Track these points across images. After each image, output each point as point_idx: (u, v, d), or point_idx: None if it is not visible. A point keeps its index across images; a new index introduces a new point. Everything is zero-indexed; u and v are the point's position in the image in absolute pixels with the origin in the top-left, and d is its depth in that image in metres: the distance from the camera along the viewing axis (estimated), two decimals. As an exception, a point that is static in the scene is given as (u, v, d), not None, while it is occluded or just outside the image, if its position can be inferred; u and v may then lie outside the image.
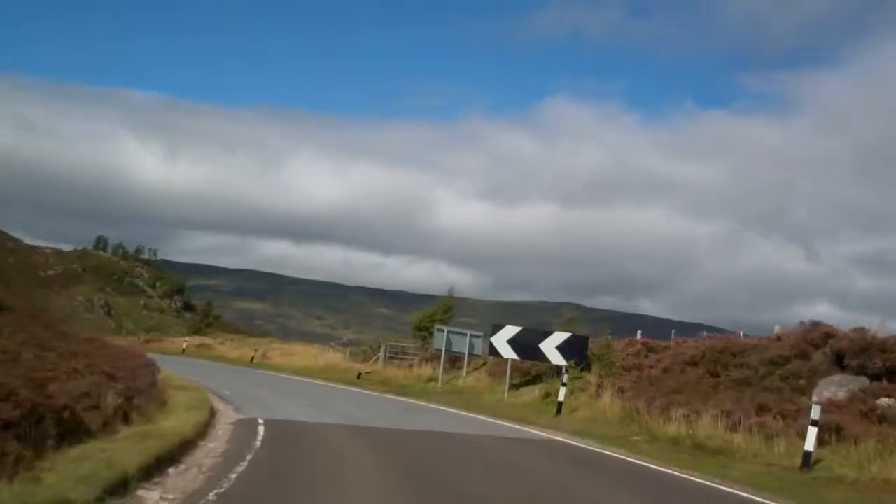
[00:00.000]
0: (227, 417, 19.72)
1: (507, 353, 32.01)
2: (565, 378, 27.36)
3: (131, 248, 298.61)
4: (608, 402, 25.40)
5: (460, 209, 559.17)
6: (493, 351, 32.71)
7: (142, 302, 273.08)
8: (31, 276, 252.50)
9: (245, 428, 17.85)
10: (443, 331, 38.04)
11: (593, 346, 31.28)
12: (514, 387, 32.54)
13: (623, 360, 29.90)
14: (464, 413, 27.85)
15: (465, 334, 38.08)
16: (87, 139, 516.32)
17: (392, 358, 46.13)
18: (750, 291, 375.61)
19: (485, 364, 38.24)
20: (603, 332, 33.52)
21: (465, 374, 37.68)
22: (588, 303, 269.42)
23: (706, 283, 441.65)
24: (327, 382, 40.63)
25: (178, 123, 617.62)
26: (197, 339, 62.02)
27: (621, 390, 26.04)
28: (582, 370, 29.51)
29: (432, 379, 38.58)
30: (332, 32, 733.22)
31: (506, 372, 32.74)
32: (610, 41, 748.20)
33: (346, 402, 29.39)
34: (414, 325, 47.36)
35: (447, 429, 21.95)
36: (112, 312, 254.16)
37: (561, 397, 26.72)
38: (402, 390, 36.27)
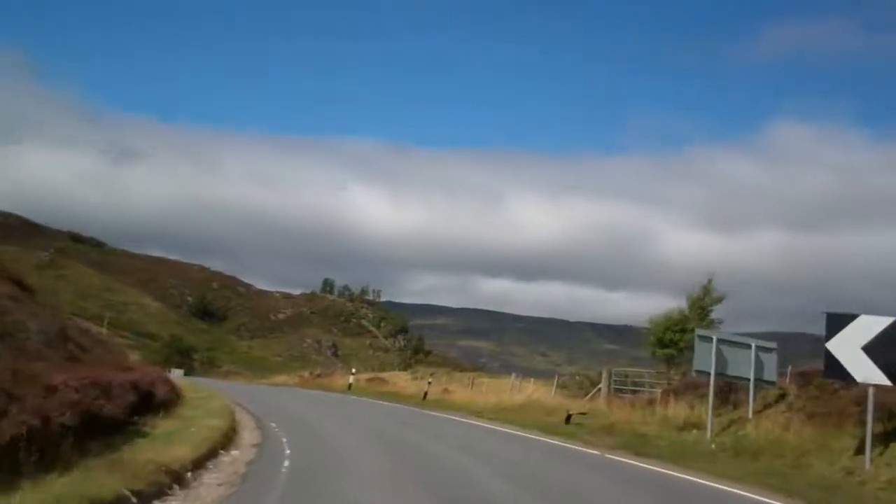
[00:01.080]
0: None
1: (869, 372, 15.15)
2: None
3: (356, 290, 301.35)
4: None
5: (684, 240, 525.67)
6: (834, 366, 15.79)
7: (367, 342, 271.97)
8: (263, 320, 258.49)
9: None
10: (709, 340, 21.48)
11: None
12: (882, 441, 15.59)
13: None
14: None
15: (749, 346, 21.50)
16: (314, 187, 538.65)
17: (619, 391, 30.08)
18: None
19: (783, 396, 21.51)
20: None
21: (750, 415, 21.11)
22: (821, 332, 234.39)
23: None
24: (519, 430, 25.22)
25: (400, 168, 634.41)
26: (368, 375, 49.45)
27: None
28: None
29: (693, 425, 22.08)
30: (544, 73, 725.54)
31: (857, 413, 15.85)
32: (836, 58, 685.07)
33: (539, 489, 13.61)
34: (652, 337, 30.93)
35: None
36: (339, 352, 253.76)
37: None
38: (641, 446, 20.17)
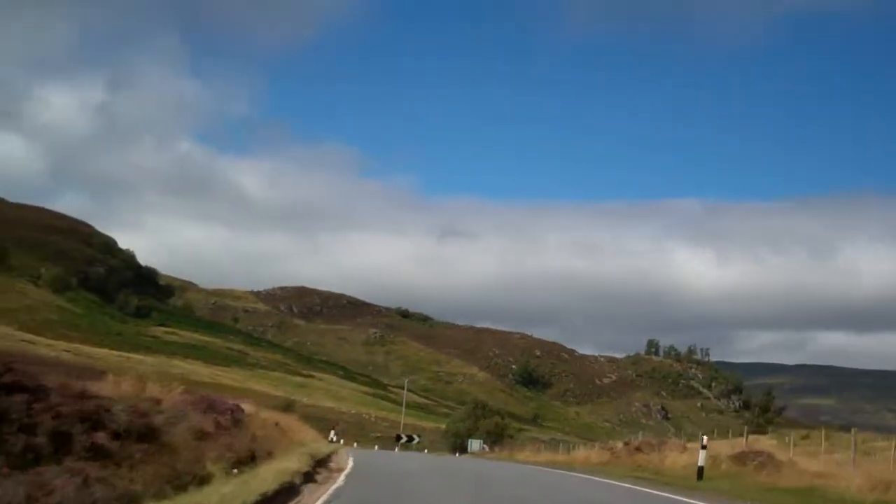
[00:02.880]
0: None
1: None
2: None
3: (682, 351, 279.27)
4: None
5: None
6: None
7: (698, 404, 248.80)
8: (588, 385, 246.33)
9: None
10: None
11: None
12: None
13: None
14: None
15: None
16: (633, 250, 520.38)
17: None
18: None
19: None
20: None
21: None
22: None
23: None
24: None
25: (722, 225, 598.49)
26: (728, 445, 34.07)
27: None
28: None
29: None
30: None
31: None
32: None
33: None
34: None
35: None
36: (669, 416, 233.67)
37: None
38: None
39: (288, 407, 51.92)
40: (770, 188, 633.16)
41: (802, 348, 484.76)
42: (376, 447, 61.26)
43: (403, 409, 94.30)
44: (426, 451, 74.23)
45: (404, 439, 71.08)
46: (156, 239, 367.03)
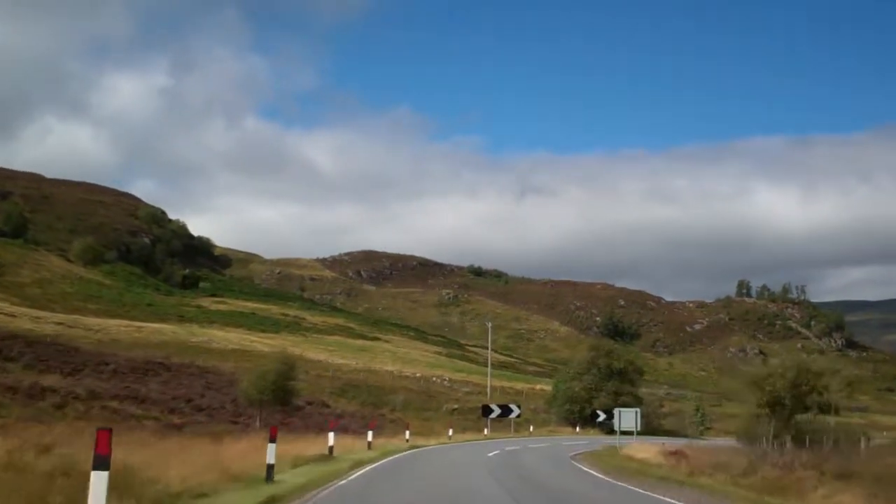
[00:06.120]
0: None
1: None
2: None
3: (776, 290, 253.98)
4: None
5: None
6: None
7: (798, 345, 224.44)
8: (678, 333, 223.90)
9: None
10: None
11: None
12: None
13: None
14: None
15: None
16: (716, 194, 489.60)
17: None
18: None
19: None
20: None
21: None
22: None
23: None
24: None
25: (808, 159, 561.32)
26: None
27: None
28: None
29: None
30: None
31: None
32: None
33: None
34: None
35: None
36: (769, 360, 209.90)
37: None
38: None
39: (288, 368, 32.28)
40: (859, 119, 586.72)
41: (886, 284, 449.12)
42: (450, 433, 40.81)
43: (490, 363, 74.99)
44: (531, 427, 53.51)
45: (496, 412, 49.81)
46: (228, 219, 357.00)
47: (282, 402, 31.79)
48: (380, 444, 29.17)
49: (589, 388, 57.86)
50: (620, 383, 56.45)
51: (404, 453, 27.86)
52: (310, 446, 22.47)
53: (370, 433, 28.22)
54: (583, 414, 57.83)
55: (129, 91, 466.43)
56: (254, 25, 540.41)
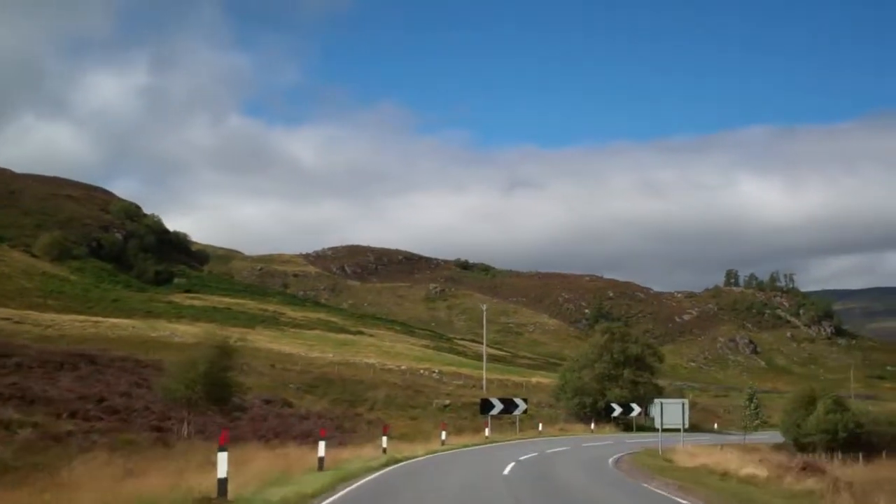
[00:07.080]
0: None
1: None
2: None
3: (764, 279, 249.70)
4: None
5: None
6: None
7: (788, 334, 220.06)
8: (667, 324, 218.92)
9: None
10: None
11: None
12: None
13: None
14: None
15: None
16: (701, 186, 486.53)
17: None
18: None
19: None
20: None
21: None
22: None
23: None
24: None
25: (792, 150, 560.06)
26: None
27: None
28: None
29: None
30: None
31: None
32: None
33: None
34: None
35: None
36: (758, 350, 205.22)
37: None
38: None
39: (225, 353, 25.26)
40: (842, 110, 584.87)
41: (870, 272, 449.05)
42: (443, 437, 33.60)
43: (485, 350, 69.39)
44: (540, 426, 45.70)
45: (498, 407, 42.82)
46: (211, 216, 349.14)
47: (216, 399, 25.28)
48: (343, 460, 22.14)
49: (602, 377, 50.91)
50: (637, 371, 50.08)
51: (376, 474, 20.44)
52: (237, 469, 15.60)
53: (321, 445, 20.08)
54: (595, 407, 51.33)
55: (110, 89, 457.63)
56: (236, 21, 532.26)
